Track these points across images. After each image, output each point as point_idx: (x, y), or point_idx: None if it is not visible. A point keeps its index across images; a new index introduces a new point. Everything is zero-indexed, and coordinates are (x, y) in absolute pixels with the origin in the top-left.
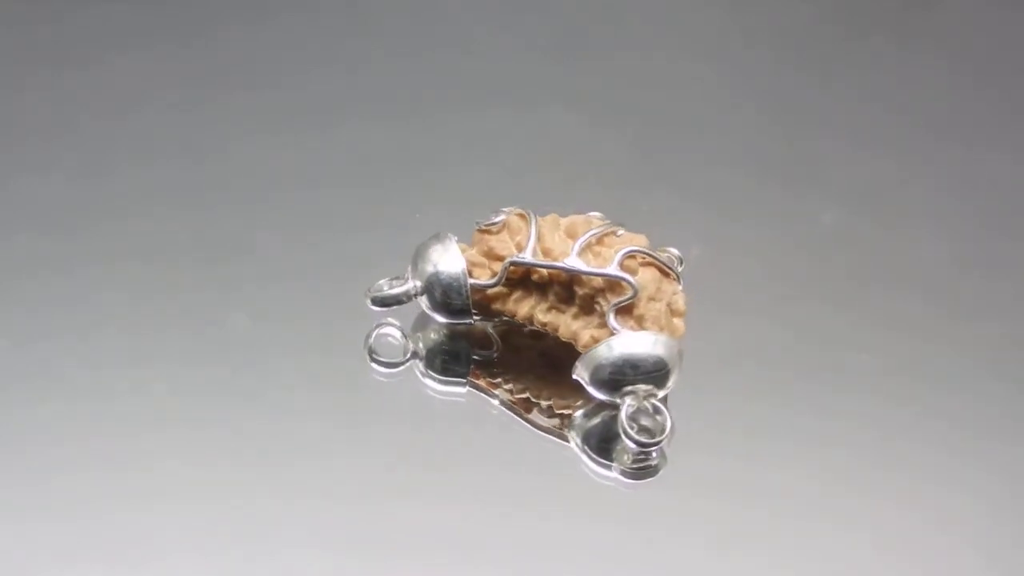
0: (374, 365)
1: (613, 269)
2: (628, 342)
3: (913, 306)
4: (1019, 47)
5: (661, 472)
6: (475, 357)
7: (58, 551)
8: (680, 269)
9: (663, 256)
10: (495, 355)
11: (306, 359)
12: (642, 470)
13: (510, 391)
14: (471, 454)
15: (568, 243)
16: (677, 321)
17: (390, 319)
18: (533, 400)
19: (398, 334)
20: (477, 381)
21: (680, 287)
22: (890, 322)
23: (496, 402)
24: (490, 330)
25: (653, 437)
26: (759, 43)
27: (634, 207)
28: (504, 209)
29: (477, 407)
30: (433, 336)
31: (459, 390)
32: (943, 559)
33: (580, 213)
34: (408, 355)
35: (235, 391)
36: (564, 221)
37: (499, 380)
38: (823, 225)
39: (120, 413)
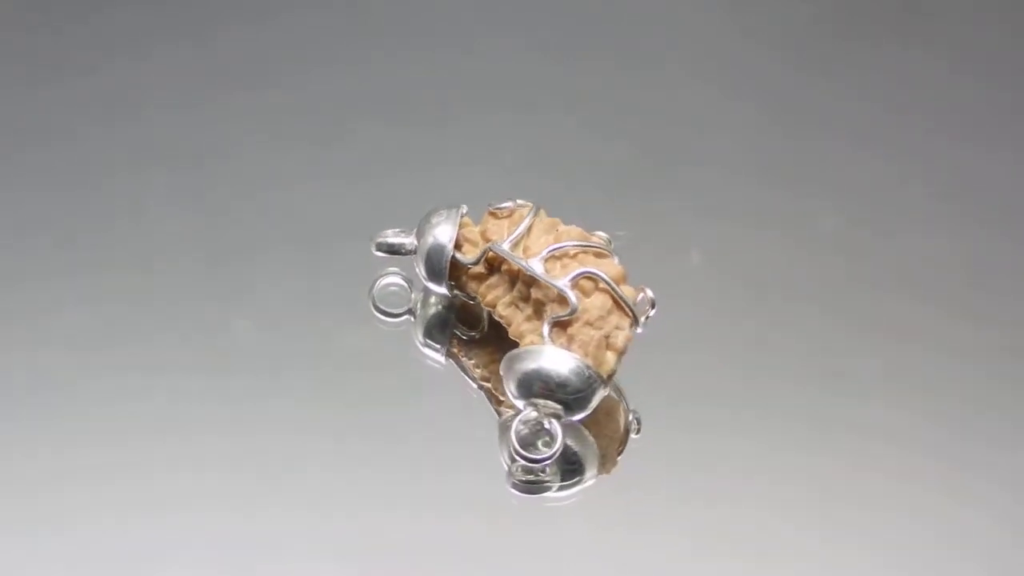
0: (375, 312)
1: (562, 283)
2: (546, 355)
3: (913, 308)
4: (1020, 48)
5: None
6: (456, 332)
7: (59, 561)
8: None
9: (630, 295)
10: (476, 336)
11: (309, 366)
12: (527, 483)
13: (477, 376)
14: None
15: (547, 240)
16: (609, 355)
17: (398, 272)
18: (493, 391)
19: (403, 285)
20: (456, 353)
21: (631, 327)
22: (890, 324)
23: (468, 381)
24: (484, 312)
25: (531, 452)
26: (759, 43)
27: (634, 208)
28: (520, 200)
29: (449, 379)
30: (432, 301)
31: (439, 357)
32: (943, 567)
33: (581, 216)
34: (405, 310)
35: (237, 399)
36: (562, 228)
37: (473, 361)
38: (823, 227)
39: (121, 421)
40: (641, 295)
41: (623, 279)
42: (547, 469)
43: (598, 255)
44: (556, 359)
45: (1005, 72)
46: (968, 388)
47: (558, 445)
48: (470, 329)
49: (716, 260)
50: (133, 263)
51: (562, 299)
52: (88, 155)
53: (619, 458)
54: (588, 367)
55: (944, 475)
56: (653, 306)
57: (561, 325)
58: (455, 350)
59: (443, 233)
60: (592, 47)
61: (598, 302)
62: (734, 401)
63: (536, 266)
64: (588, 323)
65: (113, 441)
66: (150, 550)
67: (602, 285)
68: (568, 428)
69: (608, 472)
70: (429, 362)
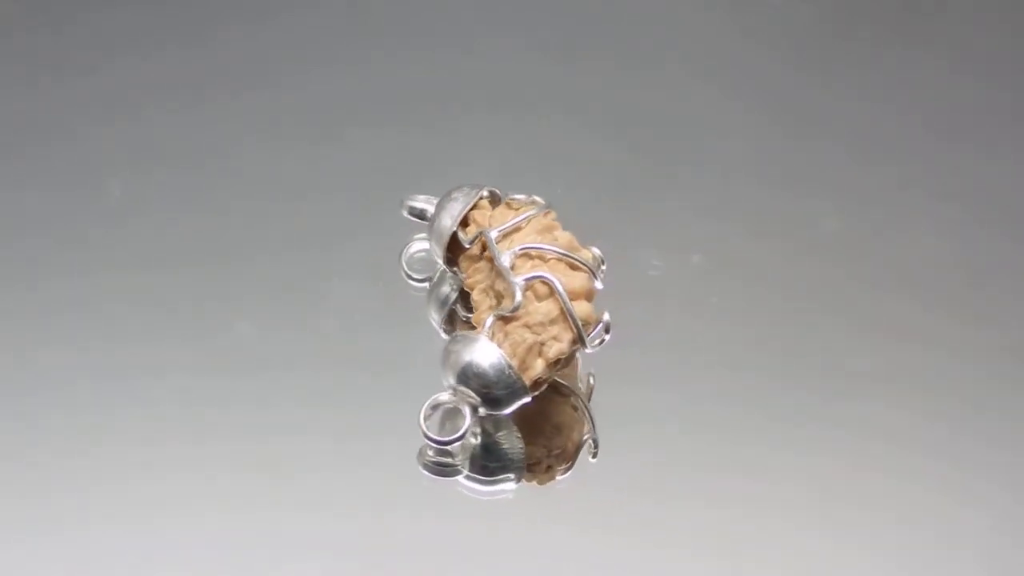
0: (406, 277)
1: (518, 280)
2: (477, 345)
3: (914, 309)
4: (1021, 48)
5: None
6: (455, 309)
7: (61, 563)
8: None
9: (585, 314)
10: (466, 318)
11: (309, 368)
12: (433, 464)
13: None
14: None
15: (533, 240)
16: (538, 362)
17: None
18: None
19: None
20: (450, 331)
21: (571, 343)
22: (890, 325)
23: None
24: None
25: (436, 433)
26: (760, 44)
27: (633, 209)
28: (537, 197)
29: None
30: (448, 275)
31: (439, 331)
32: (943, 567)
33: (581, 216)
34: (426, 278)
35: (237, 399)
36: (557, 232)
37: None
38: (823, 227)
39: (122, 423)
40: (604, 318)
41: (585, 297)
42: (456, 456)
43: (572, 267)
44: (483, 351)
45: (1006, 72)
46: (968, 388)
47: (459, 432)
48: (467, 311)
49: (716, 260)
50: (133, 263)
51: (511, 295)
52: (88, 155)
53: (560, 476)
54: (510, 367)
55: (944, 475)
56: (607, 331)
57: (503, 320)
58: (450, 327)
59: (452, 209)
60: (593, 47)
61: (544, 309)
62: (734, 401)
63: (505, 259)
64: (527, 325)
65: (113, 441)
66: (150, 550)
67: (557, 296)
68: (504, 429)
69: (542, 483)
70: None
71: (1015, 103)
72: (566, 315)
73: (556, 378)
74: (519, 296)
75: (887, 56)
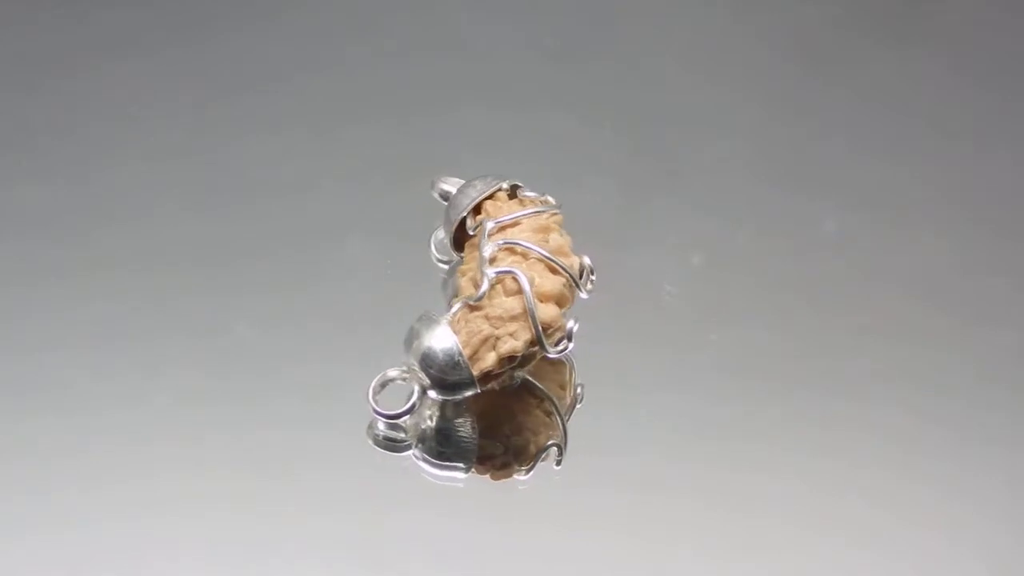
0: (434, 260)
1: (489, 270)
2: (436, 327)
3: (914, 310)
4: (1022, 48)
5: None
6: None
7: (59, 563)
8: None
9: (550, 319)
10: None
11: (310, 367)
12: (382, 438)
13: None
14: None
15: (524, 237)
16: (490, 355)
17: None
18: None
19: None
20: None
21: (527, 344)
22: (891, 326)
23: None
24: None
25: (381, 407)
26: (761, 45)
27: (632, 210)
28: (550, 197)
29: None
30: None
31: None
32: (943, 568)
33: (580, 216)
34: (453, 262)
35: (238, 400)
36: (553, 235)
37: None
38: (825, 229)
39: (121, 423)
40: (570, 323)
41: (556, 301)
42: (407, 433)
43: (552, 270)
44: (439, 334)
45: (1006, 72)
46: (969, 389)
47: (404, 408)
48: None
49: (716, 260)
50: (133, 263)
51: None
52: (88, 155)
53: (521, 476)
54: (461, 355)
55: (944, 475)
56: (570, 338)
57: (468, 308)
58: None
59: (468, 195)
60: (593, 46)
61: (508, 305)
62: (733, 401)
63: (487, 249)
64: (487, 317)
65: (113, 441)
66: (150, 550)
67: (513, 295)
68: (461, 417)
69: (495, 479)
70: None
71: (1015, 103)
72: (527, 315)
73: (533, 380)
74: (485, 286)
75: (888, 56)
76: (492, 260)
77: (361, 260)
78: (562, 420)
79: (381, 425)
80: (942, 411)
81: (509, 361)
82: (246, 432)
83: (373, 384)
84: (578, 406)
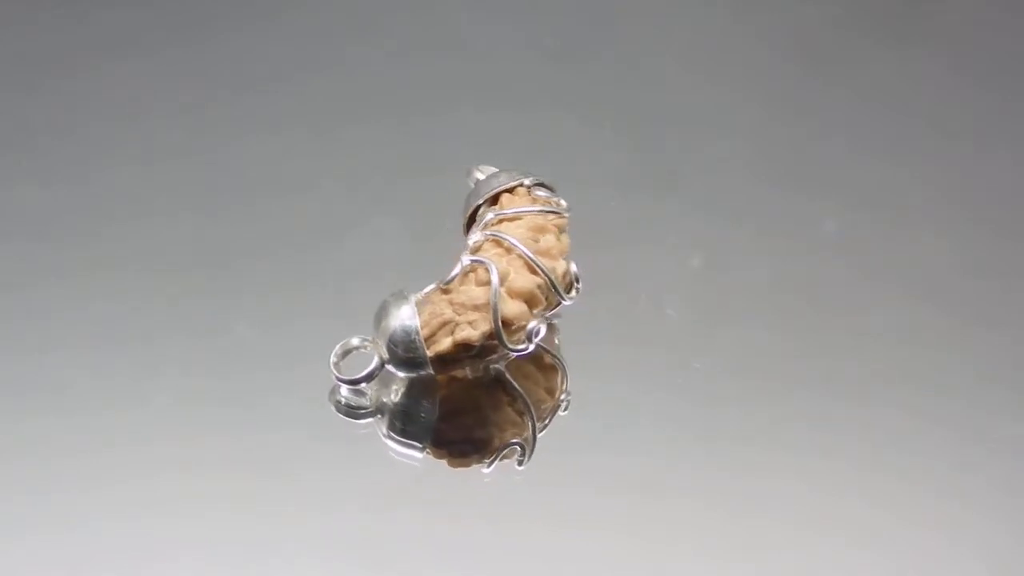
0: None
1: (465, 257)
2: (403, 302)
3: (914, 310)
4: (1022, 48)
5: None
6: None
7: (59, 563)
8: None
9: (513, 314)
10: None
11: (309, 368)
12: (342, 403)
13: None
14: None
15: (515, 233)
16: (445, 339)
17: None
18: None
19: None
20: None
21: (483, 336)
22: (891, 326)
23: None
24: None
25: (340, 372)
26: (761, 45)
27: (634, 208)
28: (562, 200)
29: None
30: None
31: None
32: (943, 570)
33: (579, 216)
34: None
35: (238, 400)
36: (547, 236)
37: None
38: (825, 229)
39: (121, 423)
40: (532, 323)
41: (526, 300)
42: (367, 402)
43: (531, 269)
44: (404, 311)
45: (1007, 72)
46: (968, 389)
47: (362, 375)
48: None
49: (716, 260)
50: (133, 263)
51: (464, 269)
52: (88, 155)
53: (484, 469)
54: (417, 334)
55: (945, 476)
56: (530, 338)
57: (440, 291)
58: None
59: (488, 185)
60: (592, 46)
61: (474, 293)
62: (733, 402)
63: (474, 237)
64: (452, 302)
65: (113, 441)
66: (150, 550)
67: (487, 284)
68: (424, 399)
69: (452, 466)
70: None
71: (1015, 103)
72: (489, 307)
73: (509, 378)
74: (456, 271)
75: (888, 56)
76: (475, 249)
77: (361, 259)
78: (533, 422)
79: (344, 391)
80: (942, 411)
81: (465, 349)
82: (246, 432)
83: (335, 350)
84: (562, 413)
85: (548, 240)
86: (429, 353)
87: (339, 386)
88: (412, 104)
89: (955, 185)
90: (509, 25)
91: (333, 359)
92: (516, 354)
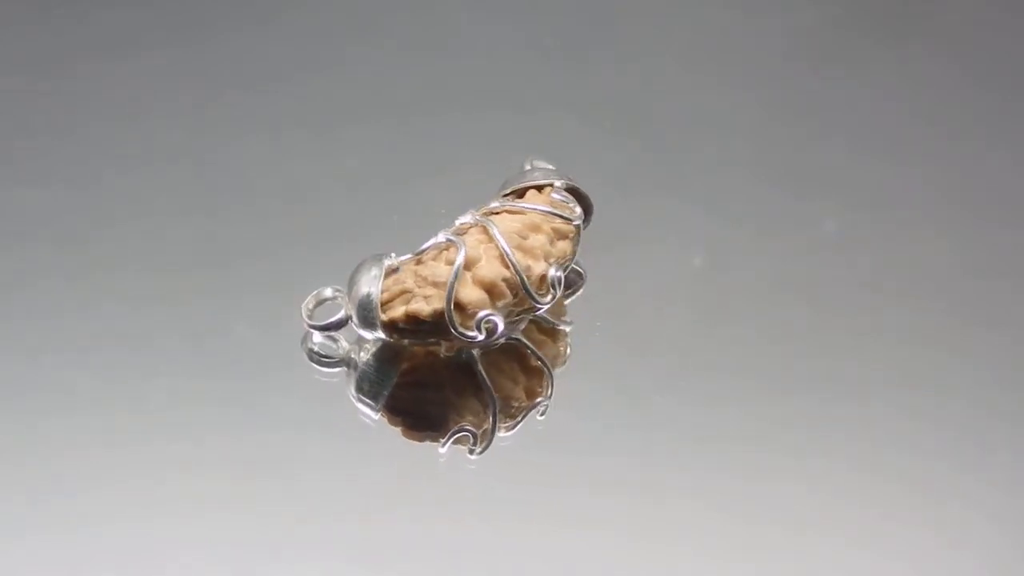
0: None
1: (443, 232)
2: (375, 264)
3: (914, 310)
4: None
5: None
6: None
7: (59, 563)
8: (555, 291)
9: (470, 301)
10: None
11: (310, 367)
12: (313, 351)
13: None
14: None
15: (504, 225)
16: (400, 308)
17: None
18: None
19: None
20: None
21: (434, 313)
22: (891, 327)
23: None
24: None
25: (311, 318)
26: (761, 45)
27: (634, 208)
28: (576, 208)
29: None
30: None
31: None
32: (944, 572)
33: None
34: None
35: (238, 400)
36: (537, 236)
37: None
38: (825, 229)
39: (121, 423)
40: (484, 312)
41: (487, 290)
42: (337, 351)
43: (503, 263)
44: (372, 271)
45: (1007, 72)
46: (969, 389)
47: (327, 322)
48: None
49: (716, 260)
50: (132, 264)
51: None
52: (88, 155)
53: (440, 448)
54: (377, 296)
55: (945, 477)
56: (478, 328)
57: (413, 260)
58: None
59: (523, 177)
60: (592, 46)
61: (438, 270)
62: (733, 403)
63: (466, 217)
64: (417, 274)
65: (113, 441)
66: (150, 550)
67: (451, 265)
68: (387, 365)
69: (405, 437)
70: None
71: (1015, 103)
72: (446, 285)
73: (482, 369)
74: (428, 243)
75: (888, 56)
76: (459, 230)
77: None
78: (494, 416)
79: (316, 338)
80: (942, 412)
81: (415, 321)
82: (246, 433)
83: (309, 297)
84: (539, 417)
85: (537, 240)
86: (383, 317)
87: (311, 334)
88: (412, 104)
89: (955, 185)
90: (509, 25)
91: (305, 306)
92: (466, 341)
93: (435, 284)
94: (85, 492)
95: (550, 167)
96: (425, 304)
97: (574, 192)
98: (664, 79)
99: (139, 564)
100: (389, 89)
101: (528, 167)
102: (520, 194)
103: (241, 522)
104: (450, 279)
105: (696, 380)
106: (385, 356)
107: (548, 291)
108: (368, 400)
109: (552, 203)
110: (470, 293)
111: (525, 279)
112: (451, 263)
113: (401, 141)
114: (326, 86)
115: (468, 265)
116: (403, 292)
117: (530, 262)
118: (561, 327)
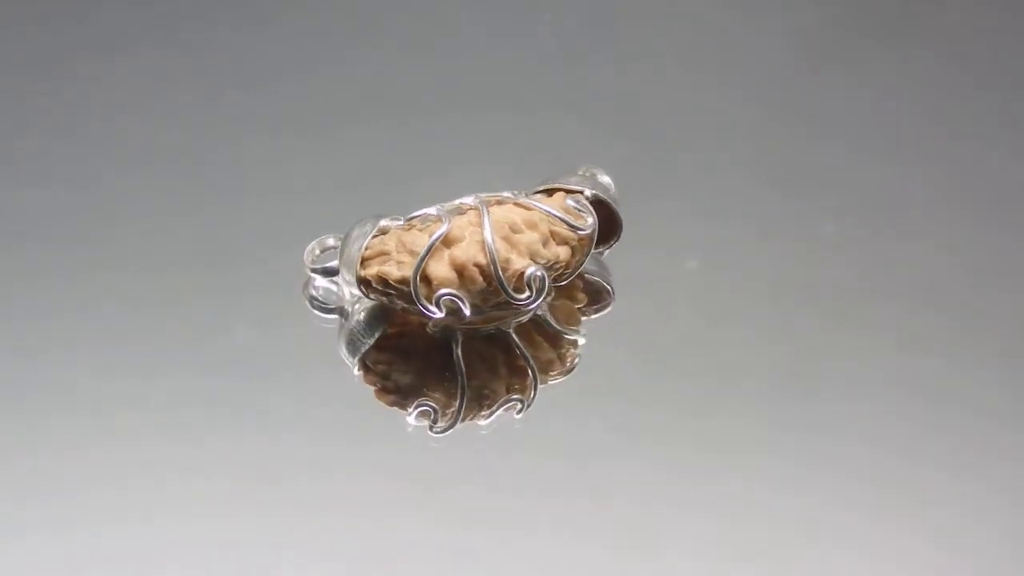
0: None
1: (438, 205)
2: (371, 222)
3: (914, 311)
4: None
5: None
6: None
7: (59, 563)
8: (533, 288)
9: (438, 278)
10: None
11: (308, 368)
12: (313, 299)
13: None
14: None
15: (500, 215)
16: (373, 266)
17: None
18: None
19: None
20: None
21: (402, 281)
22: (891, 329)
23: None
24: None
25: (312, 262)
26: (761, 45)
27: (632, 210)
28: (590, 218)
29: None
30: None
31: None
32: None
33: None
34: None
35: (238, 400)
36: (529, 233)
37: None
38: (825, 230)
39: (121, 423)
40: (444, 291)
41: (457, 270)
42: (334, 300)
43: (482, 249)
44: (364, 228)
45: (1008, 72)
46: (969, 392)
47: (323, 266)
48: None
49: (716, 261)
50: (132, 263)
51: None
52: (88, 155)
53: (408, 418)
54: (359, 253)
55: (945, 478)
56: (438, 305)
57: (406, 225)
58: None
59: (560, 178)
60: (592, 46)
61: (418, 240)
62: (732, 404)
63: (467, 198)
64: (400, 239)
65: (113, 441)
66: (150, 550)
67: (428, 238)
68: (372, 326)
69: (377, 396)
70: None
71: (1015, 103)
72: (419, 254)
73: (460, 357)
74: (417, 212)
75: (888, 56)
76: (455, 208)
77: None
78: (461, 400)
79: (318, 282)
80: (941, 415)
81: (383, 283)
82: (246, 433)
83: (313, 243)
84: (516, 415)
85: (528, 237)
86: (360, 272)
87: (312, 279)
88: (412, 104)
89: (955, 185)
90: (509, 25)
91: (308, 252)
92: (427, 315)
93: (412, 252)
94: (85, 492)
95: (604, 179)
96: (396, 269)
97: (603, 207)
98: (664, 79)
99: (139, 564)
100: (389, 89)
101: (581, 172)
102: (550, 193)
103: (241, 522)
104: (422, 257)
105: (696, 380)
106: (374, 314)
107: (525, 289)
108: (347, 351)
109: (564, 208)
110: (439, 270)
111: (500, 270)
112: (431, 236)
113: (401, 141)
114: (326, 86)
115: (448, 243)
116: (382, 253)
117: (512, 255)
118: (568, 335)
